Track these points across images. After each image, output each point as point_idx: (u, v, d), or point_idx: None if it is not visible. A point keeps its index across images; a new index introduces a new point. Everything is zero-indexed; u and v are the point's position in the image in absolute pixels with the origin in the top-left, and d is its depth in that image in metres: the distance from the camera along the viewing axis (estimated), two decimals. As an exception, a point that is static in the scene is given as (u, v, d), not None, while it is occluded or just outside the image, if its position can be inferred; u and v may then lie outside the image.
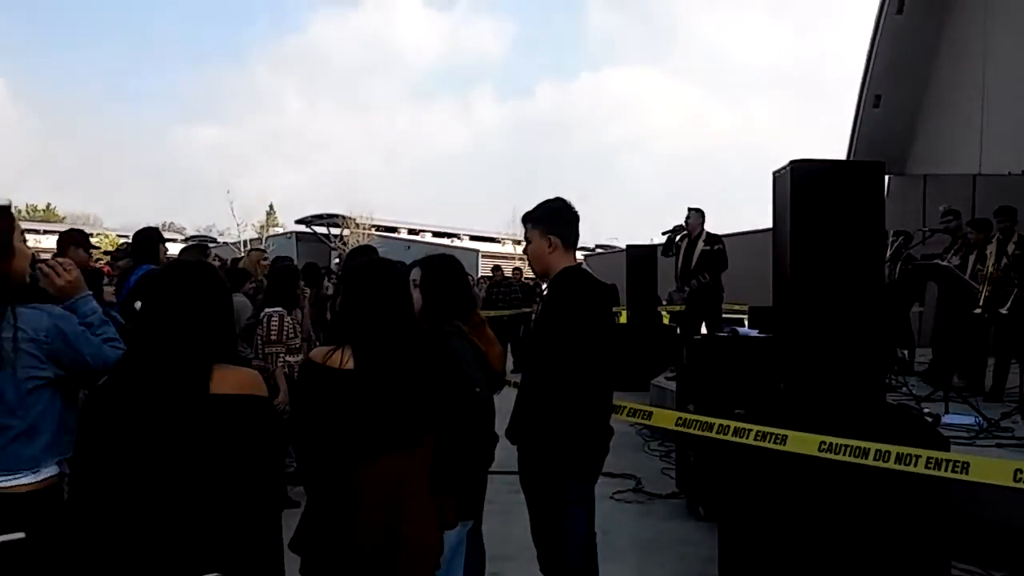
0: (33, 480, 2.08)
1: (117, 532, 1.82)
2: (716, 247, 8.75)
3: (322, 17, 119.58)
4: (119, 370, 1.95)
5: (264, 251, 8.75)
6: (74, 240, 5.19)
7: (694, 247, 8.84)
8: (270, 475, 1.96)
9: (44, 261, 2.38)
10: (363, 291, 2.33)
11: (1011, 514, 4.21)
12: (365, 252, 4.69)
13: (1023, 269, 6.46)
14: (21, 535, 1.98)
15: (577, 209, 3.17)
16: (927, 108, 15.67)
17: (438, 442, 2.33)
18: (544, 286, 3.54)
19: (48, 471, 2.13)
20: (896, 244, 8.55)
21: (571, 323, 2.94)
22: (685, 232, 8.96)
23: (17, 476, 2.06)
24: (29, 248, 2.30)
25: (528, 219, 3.15)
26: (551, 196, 3.19)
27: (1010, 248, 6.74)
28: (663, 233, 9.29)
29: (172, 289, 1.99)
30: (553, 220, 3.11)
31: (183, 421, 1.84)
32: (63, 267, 2.36)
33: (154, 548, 1.81)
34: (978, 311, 6.77)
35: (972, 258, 7.24)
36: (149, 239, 5.18)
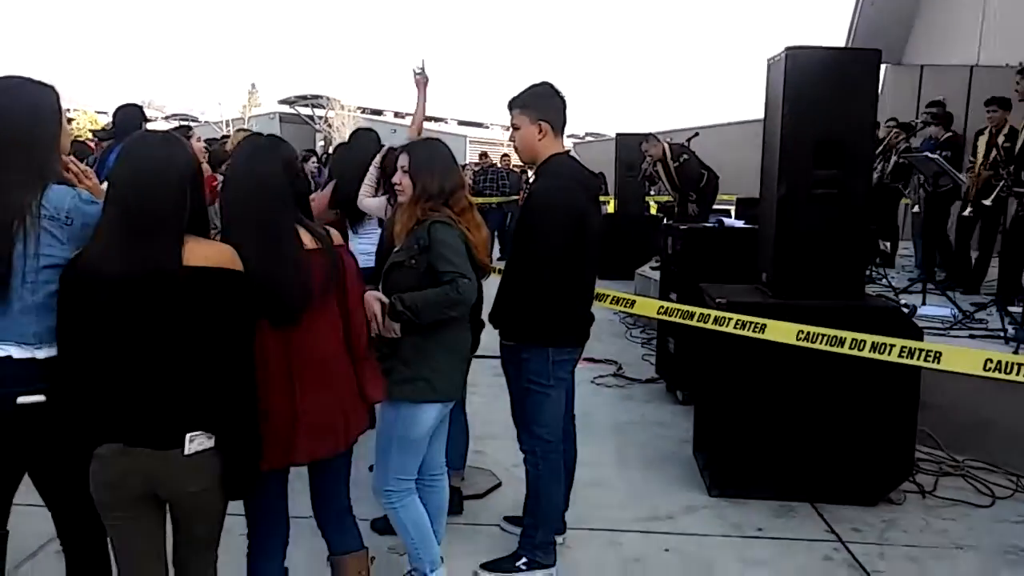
0: (40, 355, 2.09)
1: (103, 397, 1.92)
2: (682, 158, 8.75)
3: None
4: (93, 243, 1.97)
5: (251, 131, 8.51)
6: None
7: (668, 168, 8.86)
8: (244, 342, 2.02)
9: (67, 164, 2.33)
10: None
11: (975, 402, 4.38)
12: (365, 135, 4.55)
13: (1011, 161, 6.44)
14: (41, 398, 2.05)
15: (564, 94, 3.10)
16: (926, -3, 15.17)
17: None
18: (531, 173, 3.50)
19: (51, 350, 2.13)
20: (887, 137, 8.47)
21: (551, 212, 2.93)
22: (653, 159, 9.00)
23: (32, 347, 2.07)
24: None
25: (516, 104, 3.05)
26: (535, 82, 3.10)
27: (1000, 139, 6.68)
28: (636, 176, 9.84)
29: (138, 161, 1.99)
30: (543, 105, 3.03)
31: (158, 291, 1.89)
32: (85, 174, 2.35)
33: (139, 410, 1.91)
34: (967, 213, 6.81)
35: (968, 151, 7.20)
36: (130, 116, 5.05)
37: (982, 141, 6.91)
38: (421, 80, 4.02)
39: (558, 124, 3.05)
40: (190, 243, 1.96)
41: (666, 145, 8.86)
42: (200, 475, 1.96)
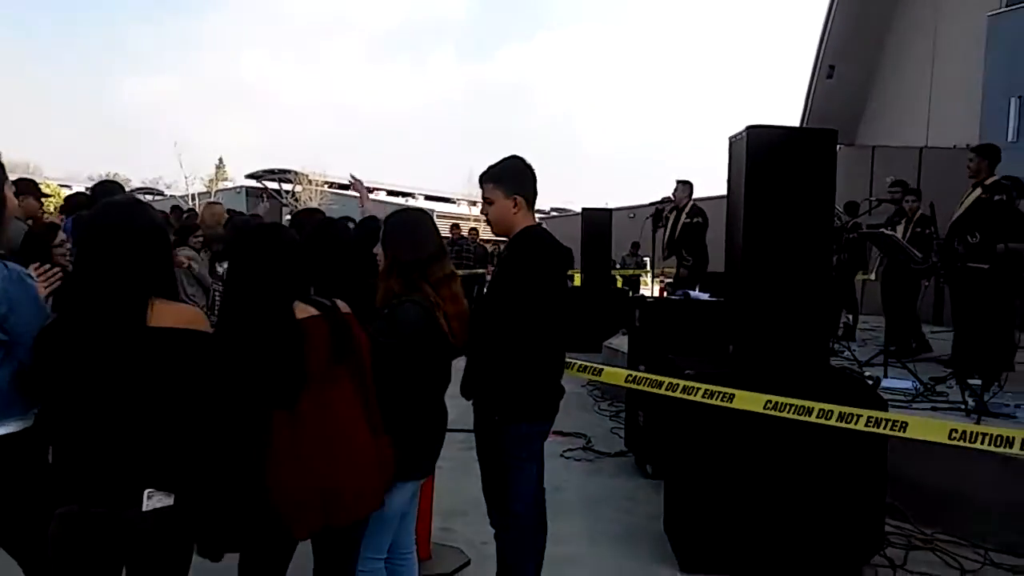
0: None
1: (73, 454, 1.94)
2: (696, 220, 8.85)
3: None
4: (63, 307, 2.00)
5: (217, 203, 8.48)
6: (26, 189, 5.20)
7: (679, 220, 8.97)
8: (209, 402, 2.01)
9: None
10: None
11: (942, 475, 4.41)
12: (313, 213, 4.60)
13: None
14: None
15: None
16: (878, 81, 15.97)
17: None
18: (502, 248, 3.51)
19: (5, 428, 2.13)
20: (838, 214, 8.74)
21: (526, 282, 2.94)
22: (673, 204, 9.06)
23: None
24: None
25: (490, 178, 3.07)
26: (507, 155, 3.14)
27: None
28: (652, 203, 9.51)
29: (103, 226, 2.01)
30: (516, 179, 3.07)
31: (123, 352, 1.90)
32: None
33: (104, 466, 1.92)
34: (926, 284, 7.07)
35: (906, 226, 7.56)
36: (110, 191, 5.07)
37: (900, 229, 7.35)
38: (358, 183, 4.13)
39: (531, 198, 3.09)
40: (157, 304, 1.96)
41: (693, 201, 8.97)
42: (159, 534, 1.94)
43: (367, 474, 2.33)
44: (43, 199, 5.80)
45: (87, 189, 5.49)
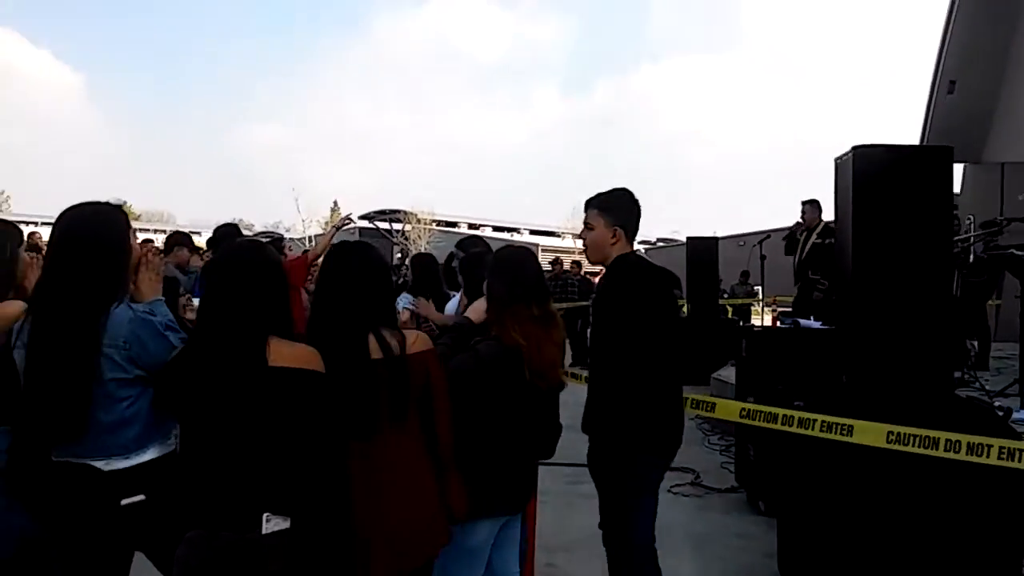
0: (127, 464, 2.29)
1: (199, 482, 2.07)
2: (827, 240, 8.38)
3: (385, 17, 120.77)
4: (188, 346, 2.16)
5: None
6: (178, 241, 5.82)
7: (808, 240, 8.65)
8: (321, 435, 2.12)
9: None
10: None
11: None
12: (426, 257, 4.76)
13: None
14: (141, 497, 2.29)
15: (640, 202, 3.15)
16: (1004, 94, 15.02)
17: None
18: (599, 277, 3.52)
19: (141, 457, 2.32)
20: (965, 235, 8.22)
21: (632, 307, 2.91)
22: (804, 226, 8.77)
23: (109, 461, 2.27)
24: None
25: (594, 204, 3.08)
26: (615, 187, 3.15)
27: None
28: (783, 238, 9.18)
29: (225, 268, 2.17)
30: (620, 211, 3.07)
31: (244, 391, 2.02)
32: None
33: (228, 493, 2.04)
34: None
35: None
36: (229, 235, 5.45)
37: None
38: (345, 220, 4.31)
39: (632, 232, 3.09)
40: (274, 344, 2.06)
41: (824, 221, 8.61)
42: (277, 555, 2.04)
43: (427, 510, 2.36)
44: (197, 250, 6.45)
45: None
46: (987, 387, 6.44)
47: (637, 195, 3.14)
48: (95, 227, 2.31)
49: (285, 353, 2.07)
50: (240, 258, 2.18)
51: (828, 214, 8.57)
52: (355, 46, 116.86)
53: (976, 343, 8.43)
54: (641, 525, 3.01)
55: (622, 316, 2.93)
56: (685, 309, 11.61)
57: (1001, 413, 3.75)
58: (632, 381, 2.89)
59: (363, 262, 2.39)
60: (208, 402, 2.03)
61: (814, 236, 8.58)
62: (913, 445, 3.19)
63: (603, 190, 3.14)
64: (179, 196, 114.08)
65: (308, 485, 2.09)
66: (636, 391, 2.89)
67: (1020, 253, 6.50)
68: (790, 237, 8.95)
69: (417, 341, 2.40)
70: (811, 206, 8.74)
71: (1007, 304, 9.30)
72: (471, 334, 2.81)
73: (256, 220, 64.87)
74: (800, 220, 8.81)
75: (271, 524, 2.03)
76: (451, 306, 4.09)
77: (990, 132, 15.32)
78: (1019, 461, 2.93)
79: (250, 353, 2.03)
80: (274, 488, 2.04)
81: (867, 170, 3.76)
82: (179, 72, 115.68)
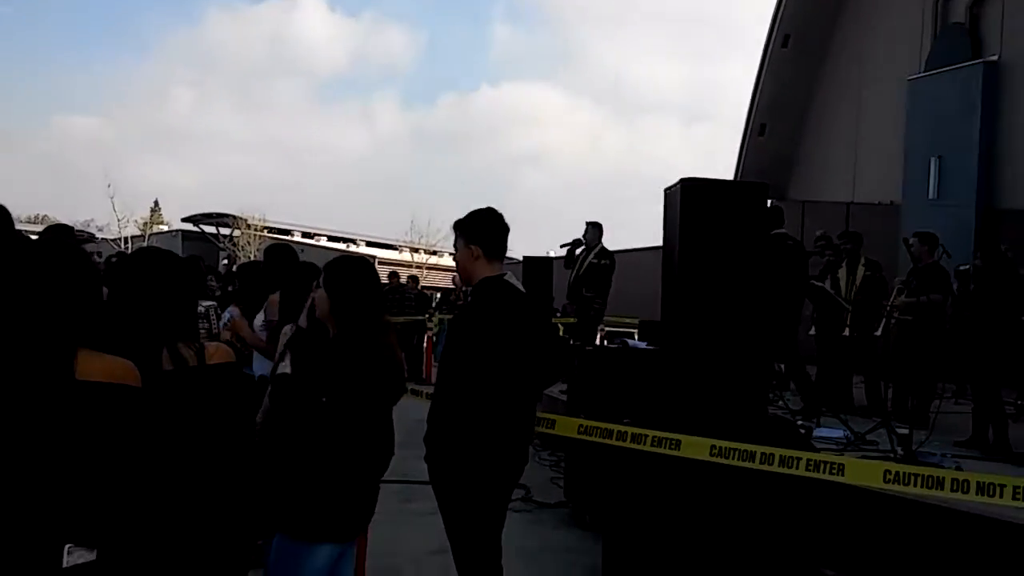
0: None
1: None
2: (603, 262, 8.85)
3: (218, 10, 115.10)
4: None
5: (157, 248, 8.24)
6: None
7: (586, 260, 8.98)
8: (131, 457, 1.91)
9: None
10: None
11: (875, 520, 4.47)
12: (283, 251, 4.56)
13: (876, 290, 6.94)
14: None
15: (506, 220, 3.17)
16: (807, 138, 16.67)
17: None
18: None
19: None
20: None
21: (483, 332, 2.96)
22: (584, 246, 9.10)
23: None
24: None
25: (456, 227, 3.17)
26: (477, 207, 3.19)
27: (860, 271, 7.23)
28: (562, 246, 9.37)
29: (26, 267, 1.89)
30: (477, 229, 3.11)
31: (46, 406, 1.78)
32: None
33: (18, 524, 1.79)
34: (846, 333, 7.17)
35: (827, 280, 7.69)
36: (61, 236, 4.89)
37: (842, 272, 7.45)
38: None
39: (492, 249, 3.11)
40: (83, 356, 1.85)
41: (602, 243, 8.94)
42: None
43: None
44: None
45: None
46: (790, 406, 7.03)
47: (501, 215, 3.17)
48: None
49: (96, 366, 1.87)
50: (44, 257, 1.94)
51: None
52: (182, 40, 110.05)
53: (782, 366, 9.19)
54: (492, 544, 3.02)
55: (473, 338, 2.98)
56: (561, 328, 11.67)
57: (804, 432, 4.10)
58: (479, 402, 2.91)
59: (160, 270, 2.23)
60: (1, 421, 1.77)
61: (591, 256, 8.96)
62: (733, 458, 3.42)
63: (469, 211, 3.18)
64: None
65: (116, 512, 1.88)
66: (483, 410, 2.90)
67: (819, 284, 7.18)
68: (570, 254, 9.24)
69: (213, 353, 2.25)
70: (593, 228, 9.08)
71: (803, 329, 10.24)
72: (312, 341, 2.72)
73: (65, 217, 59.31)
74: (581, 239, 9.11)
75: (74, 556, 1.81)
76: (257, 322, 4.02)
77: (793, 173, 16.93)
78: (823, 472, 3.22)
79: (54, 365, 1.81)
80: (77, 516, 1.82)
81: (693, 200, 4.02)
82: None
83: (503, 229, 3.15)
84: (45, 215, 54.63)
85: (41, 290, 1.87)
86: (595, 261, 8.90)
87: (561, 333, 12.41)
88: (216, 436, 2.23)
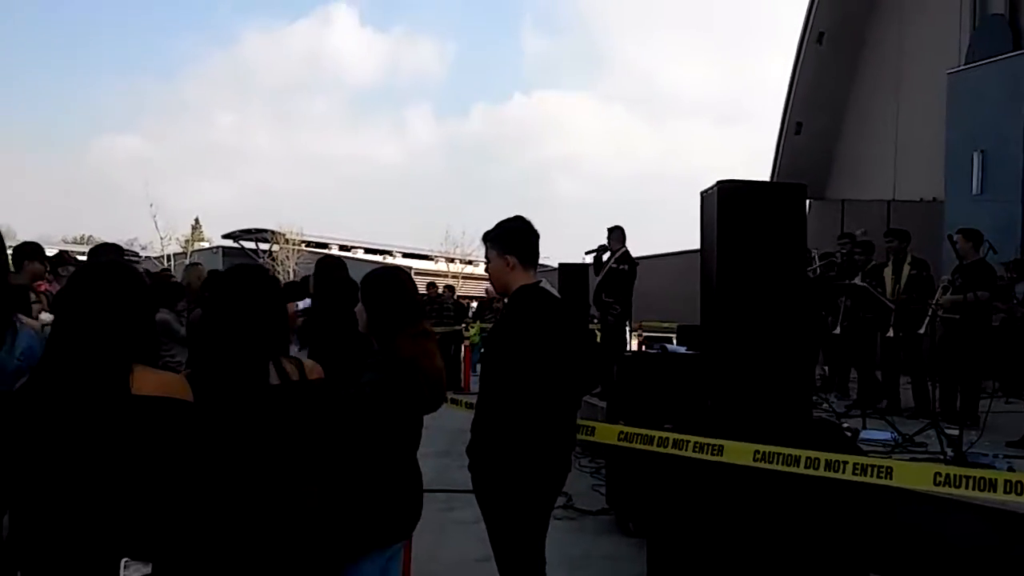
0: None
1: (39, 528, 1.84)
2: (623, 267, 8.77)
3: (254, 32, 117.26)
4: (37, 372, 1.91)
5: (198, 264, 8.36)
6: (27, 253, 5.15)
7: (607, 265, 8.91)
8: (186, 471, 1.94)
9: None
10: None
11: (923, 522, 4.37)
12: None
13: (923, 289, 6.76)
14: None
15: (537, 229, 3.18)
16: (845, 136, 16.42)
17: None
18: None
19: None
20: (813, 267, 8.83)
21: (525, 340, 2.96)
22: (609, 251, 9.05)
23: None
24: None
25: (487, 238, 3.17)
26: (508, 216, 3.19)
27: (905, 269, 7.06)
28: (586, 253, 9.33)
29: (86, 288, 1.95)
30: (510, 239, 3.12)
31: (104, 421, 1.82)
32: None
33: (75, 540, 1.82)
34: (890, 334, 7.01)
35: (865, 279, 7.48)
36: (106, 253, 5.05)
37: (887, 271, 7.25)
38: None
39: (527, 257, 3.12)
40: (139, 371, 1.90)
41: (625, 248, 8.86)
42: None
43: None
44: (47, 262, 5.70)
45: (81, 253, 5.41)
46: (834, 408, 6.91)
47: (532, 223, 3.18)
48: None
49: (151, 381, 1.91)
50: (102, 278, 1.99)
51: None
52: (222, 61, 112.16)
53: (827, 368, 9.04)
54: (537, 553, 3.02)
55: (514, 347, 2.98)
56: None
57: (849, 435, 4.03)
58: (522, 411, 2.91)
59: (262, 287, 2.25)
60: (58, 436, 1.82)
61: (612, 261, 8.88)
62: (777, 463, 3.37)
63: (498, 221, 3.18)
64: (22, 210, 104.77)
65: (171, 526, 1.92)
66: (527, 418, 2.91)
67: (861, 283, 7.05)
68: (597, 260, 9.19)
69: (309, 369, 2.29)
70: (614, 232, 9.02)
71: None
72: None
73: (109, 237, 60.57)
74: (606, 244, 9.05)
75: (130, 571, 1.85)
76: None
77: (831, 171, 16.68)
78: (871, 476, 3.16)
79: (112, 381, 1.85)
80: (133, 530, 1.86)
81: (730, 202, 3.98)
82: (30, 75, 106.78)
83: (534, 235, 3.16)
84: (90, 235, 56.10)
85: (99, 309, 1.92)
86: (615, 266, 8.85)
87: (599, 340, 12.41)
88: (315, 450, 2.25)
